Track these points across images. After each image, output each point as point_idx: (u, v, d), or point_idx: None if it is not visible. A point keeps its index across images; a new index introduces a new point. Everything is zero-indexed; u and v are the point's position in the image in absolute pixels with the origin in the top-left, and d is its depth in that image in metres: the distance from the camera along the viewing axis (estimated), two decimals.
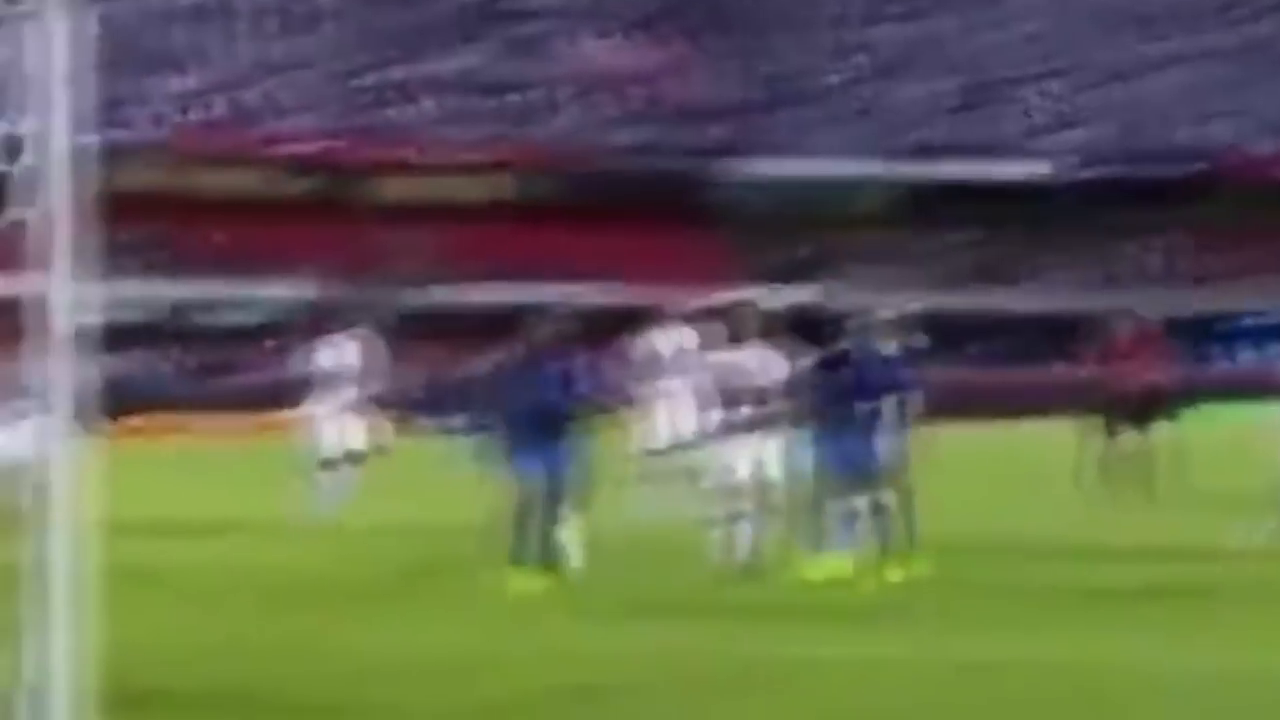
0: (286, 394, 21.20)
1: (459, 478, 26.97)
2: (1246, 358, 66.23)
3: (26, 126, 5.78)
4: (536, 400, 15.59)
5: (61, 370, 5.79)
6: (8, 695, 5.85)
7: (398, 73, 75.71)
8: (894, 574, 15.30)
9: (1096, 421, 24.12)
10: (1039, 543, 18.73)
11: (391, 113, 74.55)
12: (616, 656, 12.04)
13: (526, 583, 14.85)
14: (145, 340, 65.71)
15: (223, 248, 67.81)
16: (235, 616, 14.02)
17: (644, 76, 77.12)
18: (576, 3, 77.92)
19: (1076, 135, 75.25)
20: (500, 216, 71.06)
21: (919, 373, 16.19)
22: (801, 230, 71.09)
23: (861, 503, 15.42)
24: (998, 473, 28.78)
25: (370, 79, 75.53)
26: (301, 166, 72.57)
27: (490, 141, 73.26)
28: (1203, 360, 60.10)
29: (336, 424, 20.78)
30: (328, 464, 20.80)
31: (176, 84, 73.75)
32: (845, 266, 65.65)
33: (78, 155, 5.82)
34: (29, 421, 5.90)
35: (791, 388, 15.79)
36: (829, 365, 15.88)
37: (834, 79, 77.55)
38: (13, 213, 5.78)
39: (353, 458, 20.90)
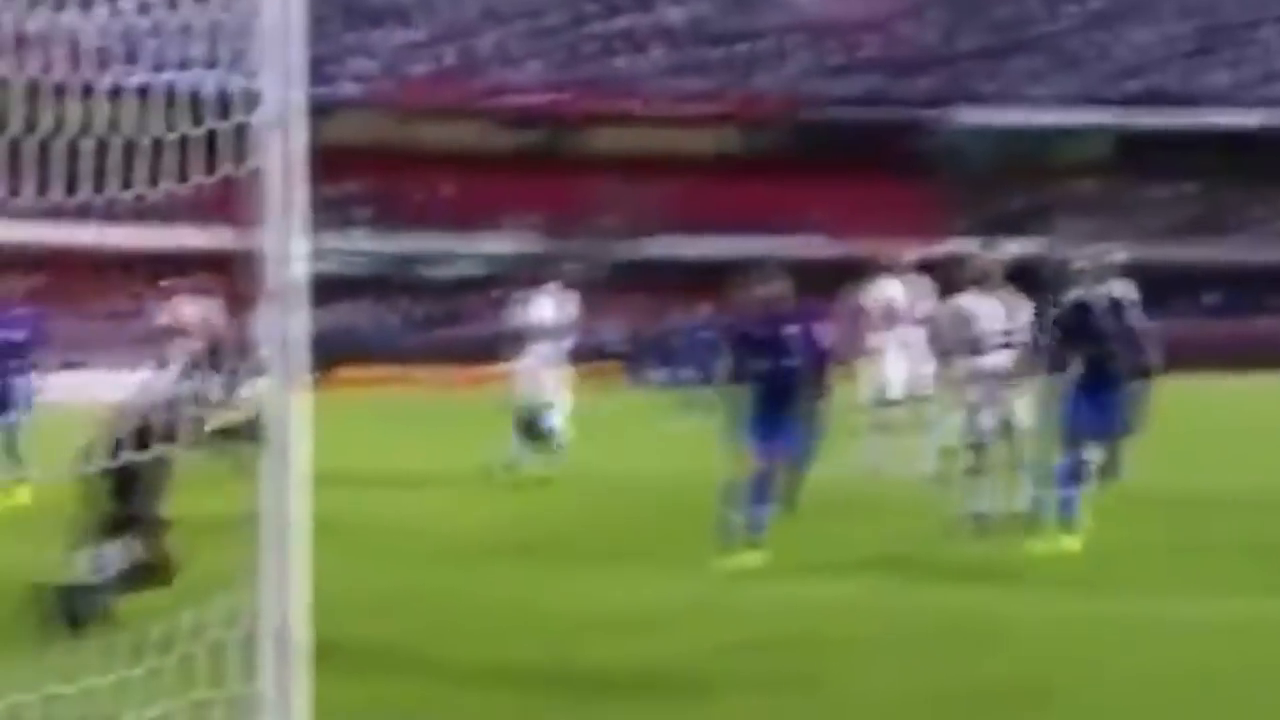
0: (504, 346, 21.35)
1: (678, 431, 27.12)
2: None
3: (259, 82, 5.87)
4: (777, 364, 14.36)
5: (287, 324, 5.90)
6: (250, 639, 6.01)
7: (625, 21, 75.86)
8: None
9: None
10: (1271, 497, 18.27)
11: (620, 63, 74.64)
12: (836, 608, 12.01)
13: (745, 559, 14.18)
14: (374, 292, 66.70)
15: (448, 201, 68.49)
16: (412, 569, 13.96)
17: (873, 24, 76.62)
18: None
19: None
20: (724, 169, 71.04)
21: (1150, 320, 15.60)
22: (1022, 181, 70.65)
23: (1095, 454, 14.86)
24: (1211, 426, 28.24)
25: (598, 27, 75.75)
26: (527, 118, 72.97)
27: (715, 94, 73.16)
28: None
29: (537, 377, 20.82)
30: (532, 413, 20.82)
31: (401, 36, 74.57)
32: (1060, 219, 64.99)
33: (298, 111, 5.90)
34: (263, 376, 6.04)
35: (1034, 336, 15.36)
36: (1071, 312, 15.09)
37: (1062, 24, 76.69)
38: (246, 165, 5.89)
39: (554, 411, 20.92)
